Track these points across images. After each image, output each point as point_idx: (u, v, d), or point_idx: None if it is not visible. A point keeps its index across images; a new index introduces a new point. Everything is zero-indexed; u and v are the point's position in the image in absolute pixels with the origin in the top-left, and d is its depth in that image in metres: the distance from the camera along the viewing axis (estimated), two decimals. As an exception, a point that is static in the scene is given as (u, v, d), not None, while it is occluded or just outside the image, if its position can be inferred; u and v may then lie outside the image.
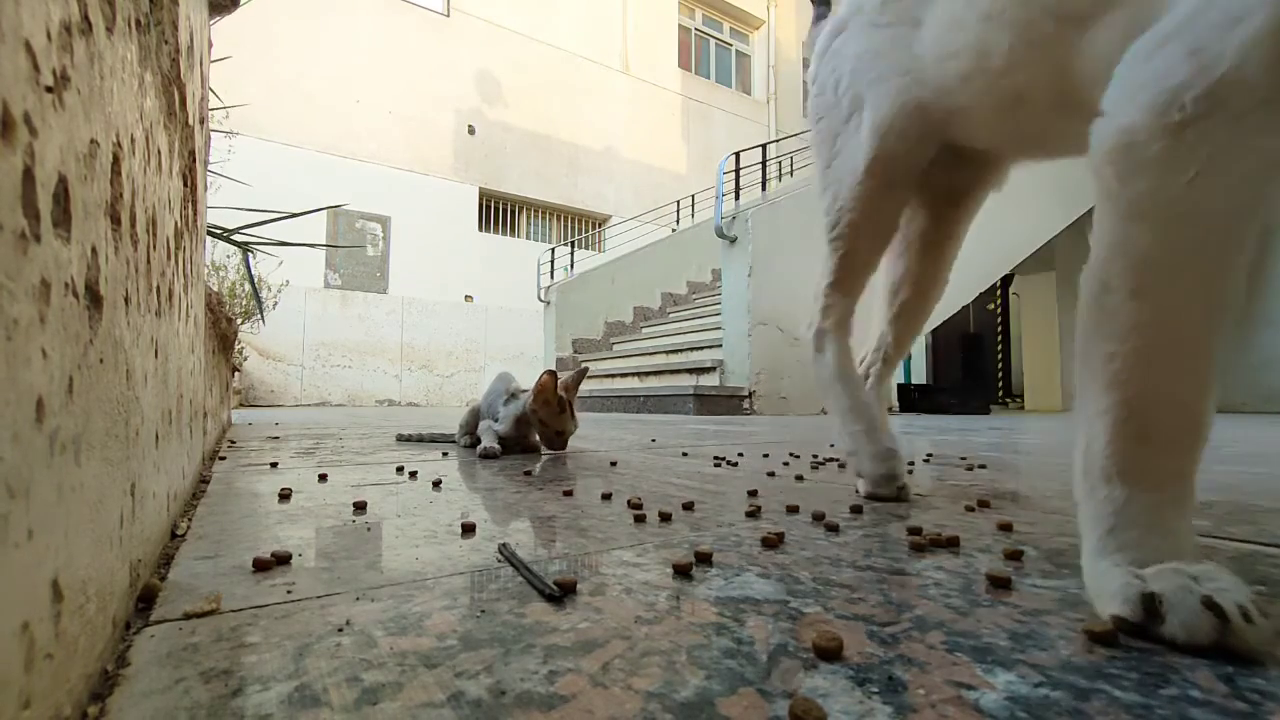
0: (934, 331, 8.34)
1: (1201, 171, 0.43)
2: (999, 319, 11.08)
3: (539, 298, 8.90)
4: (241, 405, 7.86)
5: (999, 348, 11.18)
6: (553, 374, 1.74)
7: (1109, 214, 0.49)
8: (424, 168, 9.93)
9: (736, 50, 13.72)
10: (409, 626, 0.46)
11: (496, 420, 1.83)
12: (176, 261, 0.70)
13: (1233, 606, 0.41)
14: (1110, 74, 0.50)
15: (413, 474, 1.31)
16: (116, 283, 0.40)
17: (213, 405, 1.70)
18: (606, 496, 1.04)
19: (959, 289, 6.40)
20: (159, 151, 0.57)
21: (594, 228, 11.70)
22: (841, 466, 1.52)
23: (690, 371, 5.87)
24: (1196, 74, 0.43)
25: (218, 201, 2.06)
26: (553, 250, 9.69)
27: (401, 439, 2.23)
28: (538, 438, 1.84)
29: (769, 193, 6.19)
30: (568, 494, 1.08)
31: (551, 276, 9.23)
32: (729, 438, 2.53)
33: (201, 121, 1.01)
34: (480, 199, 10.49)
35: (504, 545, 0.69)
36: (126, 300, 0.43)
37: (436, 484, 1.17)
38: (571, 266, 9.25)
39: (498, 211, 10.87)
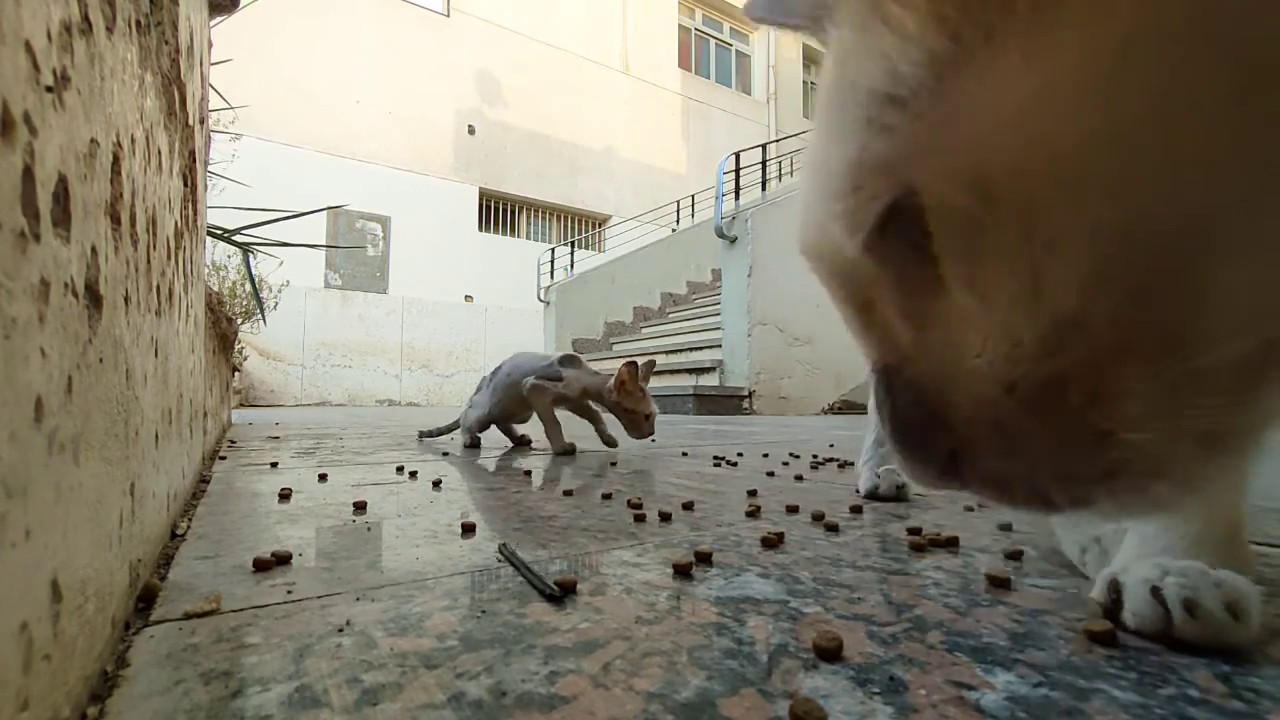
0: (934, 331, 8.33)
1: None
2: (999, 319, 11.07)
3: (539, 298, 8.89)
4: (242, 405, 7.86)
5: (999, 348, 11.16)
6: (633, 364, 1.78)
7: None
8: (424, 168, 9.93)
9: (736, 50, 13.72)
10: (409, 627, 0.46)
11: (560, 381, 1.82)
12: (176, 261, 0.70)
13: (1176, 600, 0.41)
14: None
15: (413, 474, 1.31)
16: (116, 282, 0.40)
17: (213, 405, 1.70)
18: (607, 496, 1.04)
19: (959, 289, 6.39)
20: (159, 151, 0.57)
21: (594, 228, 11.69)
22: (841, 466, 1.52)
23: (690, 371, 5.87)
24: None
25: (219, 202, 2.06)
26: (553, 250, 9.69)
27: (424, 435, 2.26)
28: (533, 437, 1.86)
29: (769, 193, 6.19)
30: (568, 494, 1.07)
31: (551, 276, 9.23)
32: (729, 438, 2.53)
33: (201, 121, 1.01)
34: (480, 199, 10.49)
35: (504, 545, 0.69)
36: (126, 300, 0.43)
37: (436, 484, 1.17)
38: (571, 266, 9.24)
39: (498, 211, 10.86)
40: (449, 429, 2.21)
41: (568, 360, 1.87)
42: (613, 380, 1.79)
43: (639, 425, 1.81)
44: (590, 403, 1.87)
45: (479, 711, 0.34)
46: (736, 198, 6.21)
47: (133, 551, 0.48)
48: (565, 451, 1.78)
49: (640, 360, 1.83)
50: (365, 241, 9.57)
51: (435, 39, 10.13)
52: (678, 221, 10.00)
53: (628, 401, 1.78)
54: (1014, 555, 0.66)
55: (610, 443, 1.91)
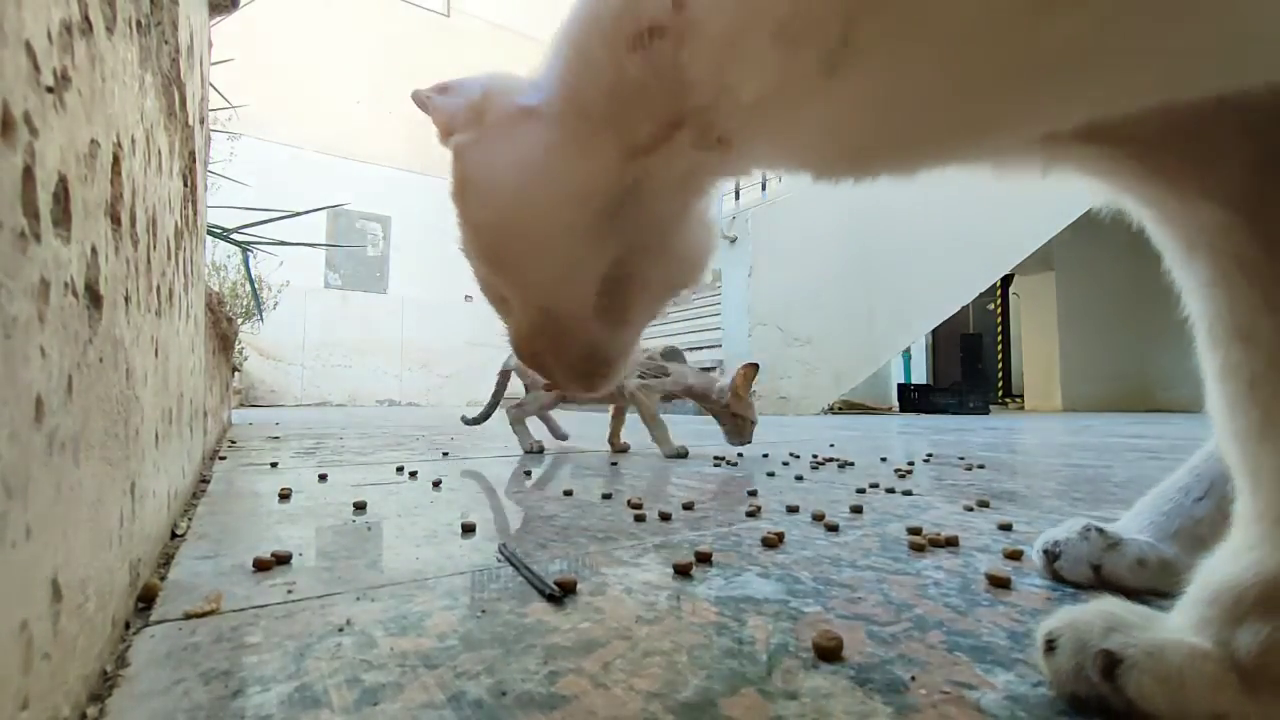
0: (934, 331, 8.35)
1: None
2: (999, 319, 11.08)
3: (539, 298, 8.87)
4: (242, 405, 7.85)
5: (999, 348, 11.18)
6: (754, 366, 1.71)
7: None
8: (424, 168, 9.91)
9: (736, 50, 13.70)
10: (409, 626, 0.46)
11: (667, 377, 1.70)
12: (176, 261, 0.70)
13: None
14: None
15: (413, 474, 1.31)
16: (116, 282, 0.40)
17: (213, 405, 1.70)
18: (607, 496, 1.04)
19: (959, 288, 6.39)
20: (159, 152, 0.57)
21: (594, 228, 11.68)
22: (841, 466, 1.51)
23: (690, 371, 5.86)
24: None
25: (218, 201, 2.06)
26: (553, 250, 9.66)
27: (467, 421, 2.07)
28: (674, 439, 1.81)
29: (769, 193, 6.19)
30: (568, 494, 1.07)
31: (551, 276, 9.21)
32: (729, 438, 2.53)
33: (201, 121, 1.01)
34: (480, 199, 10.48)
35: (503, 545, 0.69)
36: (126, 299, 0.43)
37: (436, 484, 1.17)
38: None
39: (498, 211, 10.84)
40: (487, 414, 2.03)
41: (672, 354, 1.76)
42: (727, 381, 1.70)
43: (743, 431, 1.71)
44: (702, 404, 1.76)
45: (479, 711, 0.34)
46: (736, 198, 6.21)
47: (133, 551, 0.48)
48: (678, 454, 1.68)
49: (751, 364, 1.75)
50: (365, 241, 9.57)
51: (435, 39, 10.13)
52: (678, 221, 9.98)
53: (738, 406, 1.68)
54: (1014, 555, 0.66)
55: (623, 449, 1.88)
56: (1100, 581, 0.57)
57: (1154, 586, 0.55)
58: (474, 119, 0.44)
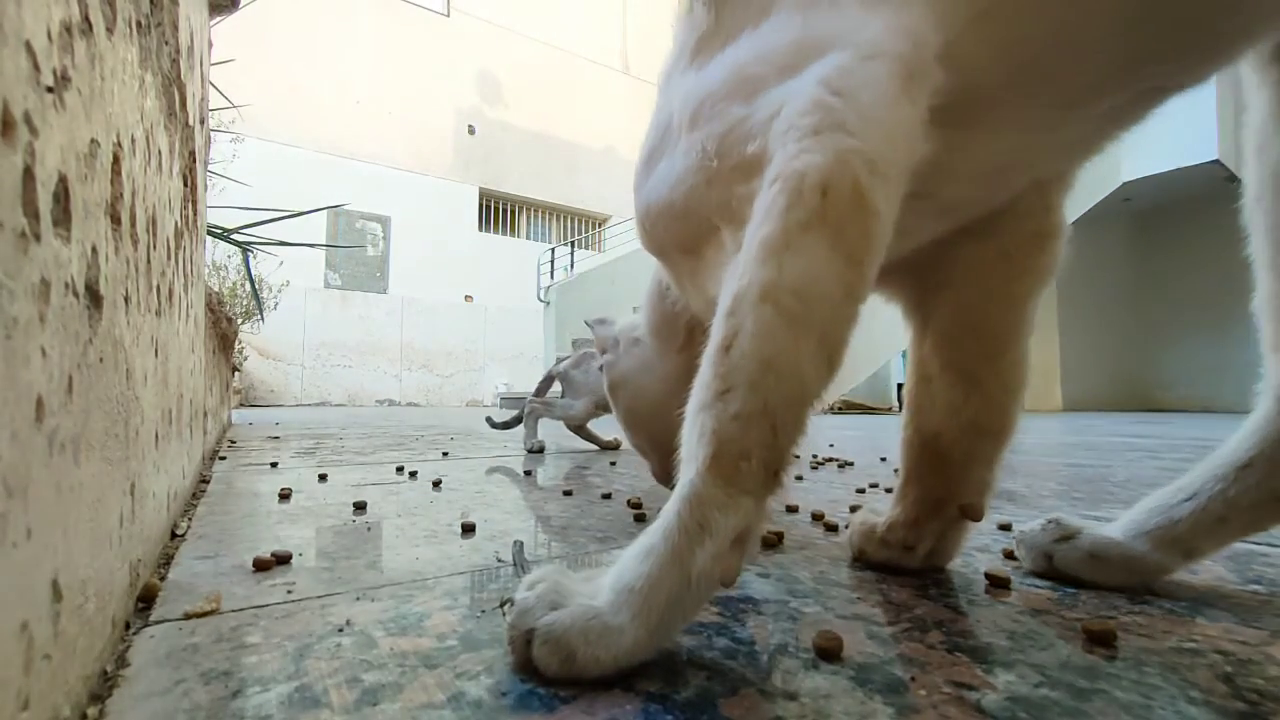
0: (934, 332, 8.34)
1: None
2: (999, 319, 11.06)
3: (539, 298, 8.88)
4: (241, 405, 7.86)
5: (999, 348, 11.16)
6: None
7: None
8: (424, 168, 9.93)
9: (736, 50, 13.68)
10: (409, 627, 0.46)
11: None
12: (176, 261, 0.70)
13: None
14: None
15: (413, 474, 1.31)
16: (116, 282, 0.40)
17: (213, 405, 1.70)
18: (606, 496, 1.04)
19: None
20: (159, 152, 0.57)
21: (594, 228, 11.69)
22: (841, 466, 1.51)
23: (690, 372, 5.85)
24: None
25: (218, 201, 2.06)
26: (552, 250, 9.68)
27: (493, 424, 2.23)
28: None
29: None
30: (568, 494, 1.07)
31: (551, 276, 9.23)
32: (729, 438, 2.52)
33: (201, 121, 1.01)
34: (480, 199, 10.49)
35: (518, 542, 0.69)
36: (126, 300, 0.43)
37: (436, 484, 1.17)
38: (571, 266, 9.25)
39: (498, 211, 10.86)
40: (516, 421, 2.07)
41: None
42: None
43: None
44: None
45: (479, 711, 0.34)
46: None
47: (133, 551, 0.48)
48: None
49: None
50: (365, 241, 9.57)
51: (435, 39, 10.13)
52: (678, 221, 9.97)
53: None
54: (1014, 555, 0.66)
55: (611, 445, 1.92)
56: (1055, 572, 0.59)
57: (1120, 582, 0.56)
58: (615, 344, 0.91)
